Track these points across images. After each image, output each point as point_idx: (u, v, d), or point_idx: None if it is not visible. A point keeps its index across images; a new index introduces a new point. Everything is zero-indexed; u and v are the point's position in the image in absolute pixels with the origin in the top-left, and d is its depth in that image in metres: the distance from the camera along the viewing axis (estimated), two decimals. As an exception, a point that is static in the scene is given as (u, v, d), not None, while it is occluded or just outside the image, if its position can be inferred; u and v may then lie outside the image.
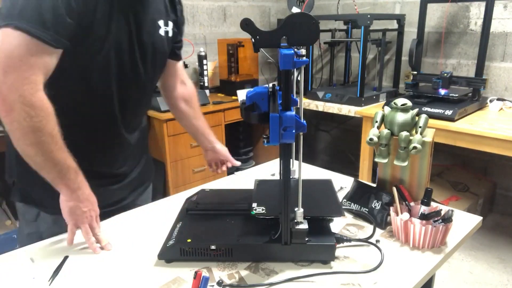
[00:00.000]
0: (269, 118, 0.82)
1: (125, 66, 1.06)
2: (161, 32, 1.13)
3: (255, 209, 1.00)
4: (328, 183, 1.17)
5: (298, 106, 0.92)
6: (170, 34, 1.17)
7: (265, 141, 0.85)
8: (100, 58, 0.99)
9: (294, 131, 0.83)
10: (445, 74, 2.41)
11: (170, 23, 1.16)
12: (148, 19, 1.07)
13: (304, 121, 0.86)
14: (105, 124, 1.10)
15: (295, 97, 0.88)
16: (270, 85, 0.89)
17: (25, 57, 0.84)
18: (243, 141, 3.33)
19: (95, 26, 0.95)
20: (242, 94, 2.90)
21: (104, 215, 1.18)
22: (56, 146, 0.91)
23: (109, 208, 1.20)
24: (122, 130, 1.14)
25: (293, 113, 0.82)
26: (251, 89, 0.90)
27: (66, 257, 0.97)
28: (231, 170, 1.58)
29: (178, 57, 1.32)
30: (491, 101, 2.49)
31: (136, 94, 1.14)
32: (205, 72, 2.87)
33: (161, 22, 1.13)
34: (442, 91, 2.40)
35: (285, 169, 0.87)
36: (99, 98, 1.05)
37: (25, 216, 1.14)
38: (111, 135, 1.13)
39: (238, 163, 1.47)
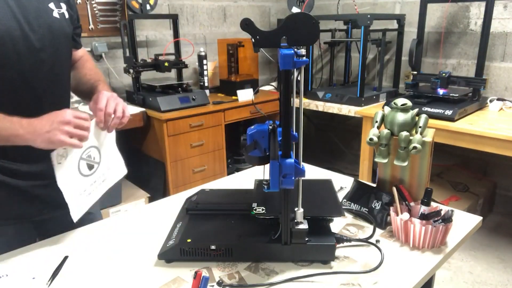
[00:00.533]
0: (269, 165, 0.86)
1: (23, 54, 0.99)
2: (55, 14, 1.06)
3: (255, 209, 1.00)
4: (328, 183, 1.17)
5: (298, 107, 0.92)
6: (67, 15, 1.10)
7: (265, 187, 0.89)
8: None
9: (293, 178, 0.86)
10: (444, 74, 2.41)
11: (63, 5, 1.10)
12: (33, 5, 1.01)
13: (303, 166, 0.89)
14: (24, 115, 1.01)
15: (295, 97, 0.88)
16: (270, 122, 0.90)
17: None
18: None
19: None
20: (242, 94, 2.90)
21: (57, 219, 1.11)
22: None
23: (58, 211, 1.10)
24: None
25: (292, 160, 0.85)
26: (252, 127, 0.92)
27: (66, 257, 0.97)
28: (231, 170, 1.58)
29: (77, 45, 1.21)
30: (491, 101, 2.49)
31: (47, 82, 1.06)
32: (205, 72, 2.87)
33: (52, 5, 1.06)
34: (441, 91, 2.40)
35: (285, 143, 0.86)
36: (9, 91, 1.00)
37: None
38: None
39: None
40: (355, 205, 1.16)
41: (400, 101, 1.11)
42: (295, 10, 3.11)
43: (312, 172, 1.51)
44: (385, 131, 1.12)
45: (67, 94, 1.16)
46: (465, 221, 1.12)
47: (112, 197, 2.40)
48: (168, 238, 0.97)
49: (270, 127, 0.87)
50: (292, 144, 0.93)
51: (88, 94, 1.18)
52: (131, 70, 2.57)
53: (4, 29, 0.94)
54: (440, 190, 2.69)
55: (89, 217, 1.16)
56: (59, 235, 1.08)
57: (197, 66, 2.99)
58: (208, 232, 0.99)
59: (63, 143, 0.91)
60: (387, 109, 1.15)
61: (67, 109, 0.94)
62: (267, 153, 0.89)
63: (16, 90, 1.00)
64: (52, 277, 0.90)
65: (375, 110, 1.32)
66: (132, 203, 2.50)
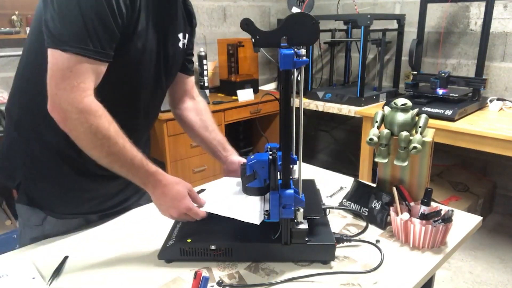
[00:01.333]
0: (269, 196, 0.88)
1: (150, 76, 1.08)
2: (180, 44, 1.16)
3: None
4: (311, 183, 1.18)
5: (298, 107, 0.92)
6: (185, 46, 1.20)
7: (266, 217, 0.91)
8: (136, 68, 1.03)
9: (293, 208, 0.87)
10: (443, 74, 2.41)
11: (187, 35, 1.19)
12: (173, 33, 1.11)
13: (303, 196, 0.90)
14: (129, 123, 1.07)
15: (295, 97, 0.88)
16: (270, 152, 0.91)
17: (74, 67, 0.87)
18: (243, 141, 3.33)
19: (135, 38, 0.97)
20: (242, 94, 2.90)
21: (109, 216, 1.20)
22: (116, 146, 0.92)
23: (114, 209, 1.21)
24: (141, 129, 1.19)
25: (292, 191, 0.87)
26: (252, 156, 0.93)
27: (66, 257, 0.97)
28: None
29: (188, 71, 1.30)
30: (491, 101, 2.49)
31: (155, 101, 1.18)
32: (205, 72, 2.87)
33: (180, 35, 1.15)
34: (440, 91, 2.40)
35: (285, 169, 0.88)
36: (127, 102, 1.08)
37: (30, 220, 1.11)
38: (132, 130, 1.10)
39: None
40: (355, 205, 1.16)
41: (400, 101, 1.11)
42: (295, 10, 3.11)
43: (312, 172, 1.51)
44: (385, 131, 1.12)
45: (159, 110, 1.28)
46: (465, 221, 1.12)
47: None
48: (168, 238, 0.97)
49: (271, 157, 0.88)
50: (292, 143, 0.93)
51: (204, 144, 1.32)
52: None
53: (149, 51, 1.03)
54: (440, 190, 2.69)
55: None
56: (55, 236, 1.08)
57: (197, 66, 2.99)
58: (208, 232, 0.99)
59: (173, 218, 1.00)
60: (387, 109, 1.15)
61: (187, 195, 0.99)
62: (267, 182, 0.90)
63: (129, 103, 1.08)
64: (52, 276, 0.90)
65: (375, 110, 1.32)
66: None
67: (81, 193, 1.12)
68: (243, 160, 1.25)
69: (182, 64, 1.25)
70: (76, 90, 0.88)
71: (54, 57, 0.87)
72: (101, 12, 0.87)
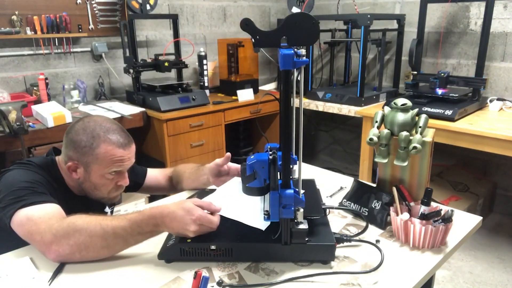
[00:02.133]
0: (269, 196, 0.87)
1: None
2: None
3: None
4: (311, 183, 1.17)
5: (298, 107, 0.92)
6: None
7: (266, 217, 0.91)
8: None
9: (293, 208, 0.87)
10: (442, 74, 2.41)
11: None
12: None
13: (303, 196, 0.90)
14: None
15: (295, 97, 0.88)
16: (270, 152, 0.90)
17: (37, 221, 0.97)
18: (243, 141, 3.33)
19: None
20: (242, 94, 2.90)
21: None
22: (103, 221, 0.95)
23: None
24: None
25: (292, 191, 0.86)
26: (252, 157, 0.93)
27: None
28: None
29: (144, 173, 1.41)
30: (491, 101, 2.49)
31: None
32: (205, 72, 2.87)
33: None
34: (440, 91, 2.40)
35: (285, 169, 0.88)
36: None
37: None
38: None
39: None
40: (355, 205, 1.16)
41: (400, 101, 1.11)
42: (295, 10, 3.11)
43: (312, 172, 1.51)
44: (385, 131, 1.11)
45: None
46: (465, 221, 1.12)
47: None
48: (168, 238, 0.97)
49: (271, 157, 0.88)
50: (292, 143, 0.93)
51: (190, 182, 1.35)
52: (131, 70, 2.57)
53: None
54: (440, 190, 2.69)
55: None
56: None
57: (197, 66, 2.99)
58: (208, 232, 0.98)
59: (196, 233, 0.95)
60: (387, 109, 1.15)
61: (195, 207, 0.96)
62: (267, 182, 0.90)
63: None
64: (53, 276, 0.90)
65: (375, 110, 1.32)
66: (132, 203, 2.50)
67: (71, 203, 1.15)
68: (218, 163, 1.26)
69: (136, 180, 1.37)
70: (48, 231, 0.94)
71: (17, 220, 0.98)
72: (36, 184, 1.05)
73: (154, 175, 1.43)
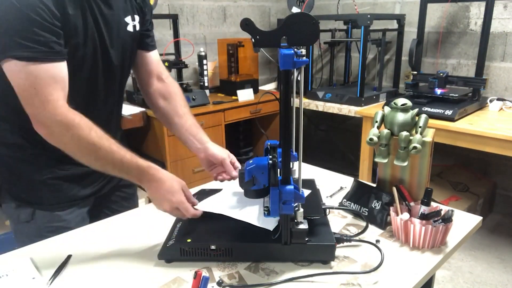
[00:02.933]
0: (269, 192, 0.87)
1: (102, 70, 1.09)
2: (129, 28, 1.13)
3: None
4: (311, 183, 1.17)
5: (298, 107, 0.92)
6: (138, 27, 1.16)
7: (266, 213, 0.91)
8: (81, 60, 1.02)
9: (293, 204, 0.87)
10: (441, 74, 2.41)
11: (137, 17, 1.15)
12: (115, 20, 1.08)
13: (303, 192, 0.90)
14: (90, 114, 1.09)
15: (295, 97, 0.88)
16: (270, 156, 0.90)
17: (36, 83, 0.89)
18: (243, 141, 3.33)
19: (73, 32, 0.97)
20: (242, 94, 2.90)
21: (102, 202, 1.24)
22: (102, 151, 0.94)
23: (103, 190, 1.24)
24: (105, 118, 1.16)
25: (292, 187, 0.86)
26: (251, 161, 0.92)
27: (69, 256, 0.98)
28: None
29: (147, 46, 1.22)
30: (491, 101, 2.49)
31: (113, 88, 1.17)
32: (205, 72, 2.87)
33: (128, 19, 1.12)
34: (439, 91, 2.40)
35: (285, 169, 0.88)
36: (87, 88, 1.09)
37: (20, 217, 1.13)
38: (98, 115, 1.11)
39: (235, 174, 1.18)
40: (355, 205, 1.16)
41: (400, 101, 1.11)
42: (295, 10, 3.11)
43: (312, 172, 1.51)
44: (385, 131, 1.11)
45: (123, 93, 1.28)
46: (465, 221, 1.12)
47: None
48: (168, 238, 0.97)
49: (270, 161, 0.88)
50: (292, 143, 0.93)
51: (176, 132, 1.26)
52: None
53: (90, 51, 1.03)
54: (440, 190, 2.69)
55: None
56: (57, 235, 1.08)
57: (197, 66, 2.99)
58: (208, 232, 0.99)
59: (166, 212, 0.99)
60: (387, 109, 1.15)
61: (181, 191, 0.98)
62: (267, 186, 0.90)
63: (86, 93, 1.09)
64: (53, 276, 0.90)
65: (375, 110, 1.32)
66: (132, 203, 2.50)
67: (60, 180, 1.12)
68: (223, 154, 1.19)
69: (139, 42, 1.19)
70: (47, 105, 0.90)
71: (10, 70, 0.89)
72: (38, 16, 0.87)
73: (151, 65, 1.24)
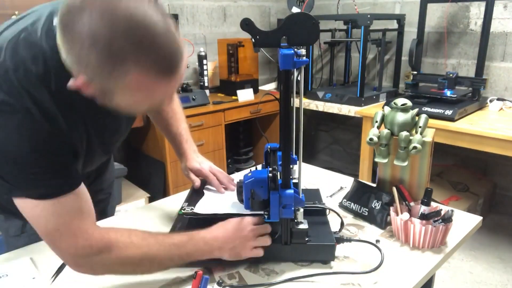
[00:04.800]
0: (269, 197, 0.87)
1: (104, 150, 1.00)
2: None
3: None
4: (316, 194, 1.16)
5: (298, 107, 0.92)
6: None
7: (266, 217, 0.90)
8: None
9: (293, 208, 0.87)
10: (451, 75, 2.40)
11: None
12: (115, 124, 0.99)
13: (303, 195, 0.90)
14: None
15: (295, 97, 0.88)
16: (270, 168, 0.89)
17: (59, 224, 0.76)
18: (243, 141, 3.32)
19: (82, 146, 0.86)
20: (242, 94, 2.90)
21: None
22: (151, 251, 0.83)
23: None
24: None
25: (292, 191, 0.86)
26: (249, 174, 0.90)
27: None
28: (231, 170, 1.57)
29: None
30: (491, 101, 2.49)
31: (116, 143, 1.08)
32: (205, 72, 2.87)
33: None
34: (448, 92, 2.39)
35: (285, 173, 0.88)
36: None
37: (9, 231, 1.06)
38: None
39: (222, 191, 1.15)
40: (355, 205, 1.16)
41: (400, 101, 1.11)
42: (295, 10, 3.11)
43: (312, 172, 1.51)
44: (385, 131, 1.12)
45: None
46: (465, 221, 1.12)
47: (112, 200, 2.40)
48: (168, 238, 0.97)
49: (270, 174, 0.86)
50: (292, 143, 0.93)
51: (165, 134, 1.24)
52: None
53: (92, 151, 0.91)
54: (440, 190, 2.69)
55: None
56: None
57: (197, 66, 2.99)
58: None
59: (248, 256, 0.91)
60: (387, 109, 1.15)
61: (247, 221, 0.91)
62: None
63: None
64: (55, 274, 0.90)
65: (375, 110, 1.32)
66: (132, 203, 2.50)
67: None
68: (205, 167, 1.17)
69: None
70: (80, 241, 0.77)
71: (28, 209, 0.75)
72: (56, 154, 0.75)
73: None
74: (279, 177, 0.89)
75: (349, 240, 0.98)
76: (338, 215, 1.03)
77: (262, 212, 0.95)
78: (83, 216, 0.79)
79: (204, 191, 1.14)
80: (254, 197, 0.89)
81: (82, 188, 0.80)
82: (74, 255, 0.79)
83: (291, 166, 0.90)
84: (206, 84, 2.89)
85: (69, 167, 0.78)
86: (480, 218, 1.14)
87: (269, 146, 0.97)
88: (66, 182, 0.77)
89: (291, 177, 0.90)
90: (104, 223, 1.15)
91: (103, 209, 1.29)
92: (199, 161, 1.19)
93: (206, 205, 1.06)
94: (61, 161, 0.76)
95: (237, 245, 0.89)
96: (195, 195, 1.13)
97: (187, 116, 2.51)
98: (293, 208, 0.88)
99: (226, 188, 1.15)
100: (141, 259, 0.82)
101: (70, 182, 0.77)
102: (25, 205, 0.75)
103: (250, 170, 0.95)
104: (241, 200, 0.98)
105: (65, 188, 0.76)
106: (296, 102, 0.88)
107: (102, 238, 0.79)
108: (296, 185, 0.91)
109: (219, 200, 1.09)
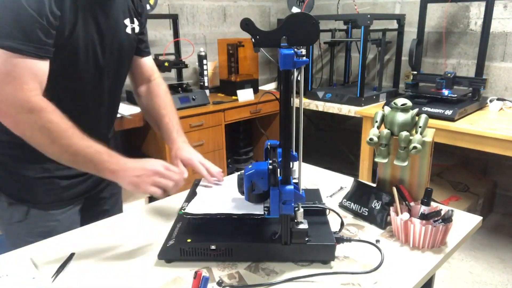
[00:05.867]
0: (270, 193, 0.87)
1: (96, 68, 1.08)
2: (128, 30, 1.14)
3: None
4: (316, 194, 1.17)
5: (298, 107, 0.92)
6: (137, 30, 1.18)
7: (266, 213, 0.91)
8: (75, 63, 1.02)
9: (293, 204, 0.87)
10: (449, 75, 2.41)
11: (135, 20, 1.17)
12: (111, 21, 1.09)
13: (303, 192, 0.90)
14: (88, 114, 1.12)
15: (295, 97, 0.88)
16: (270, 161, 0.89)
17: (13, 71, 0.88)
18: (243, 141, 3.33)
19: (62, 28, 0.96)
20: (242, 94, 2.90)
21: (98, 200, 1.25)
22: (72, 139, 0.92)
23: (97, 188, 1.24)
24: (100, 119, 1.19)
25: (292, 187, 0.86)
26: (250, 166, 0.91)
27: (72, 254, 0.98)
28: (231, 170, 1.57)
29: (141, 52, 1.26)
30: (491, 101, 2.49)
31: (108, 89, 1.15)
32: (205, 72, 2.87)
33: (127, 21, 1.14)
34: (446, 92, 2.39)
35: (285, 169, 0.88)
36: (72, 97, 1.08)
37: (12, 217, 1.11)
38: (87, 116, 1.13)
39: (205, 173, 1.21)
40: (355, 205, 1.16)
41: (400, 101, 1.11)
42: (295, 10, 3.11)
43: (312, 172, 1.51)
44: (385, 131, 1.12)
45: (121, 92, 1.27)
46: (465, 221, 1.12)
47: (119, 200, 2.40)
48: (168, 238, 0.97)
49: (271, 166, 0.87)
50: (292, 143, 0.93)
51: (157, 128, 1.28)
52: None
53: (82, 53, 1.02)
54: (440, 190, 2.69)
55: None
56: (56, 236, 1.08)
57: (197, 66, 2.99)
58: (208, 232, 0.98)
59: (146, 191, 0.95)
60: (387, 109, 1.15)
61: (160, 161, 0.97)
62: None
63: (78, 97, 1.08)
64: (56, 273, 0.90)
65: (375, 110, 1.32)
66: (132, 203, 2.50)
67: (55, 178, 1.12)
68: (195, 158, 1.21)
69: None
70: (21, 92, 0.88)
71: None
72: (34, 11, 0.87)
73: (145, 68, 1.27)
74: (279, 174, 0.89)
75: (349, 240, 0.98)
76: (338, 215, 1.03)
77: (262, 213, 0.95)
78: (35, 79, 0.90)
79: (197, 190, 1.15)
80: (254, 188, 0.90)
81: (46, 63, 0.92)
82: (9, 103, 0.88)
83: (291, 164, 0.90)
84: (206, 84, 2.89)
85: (46, 39, 0.91)
86: (480, 218, 1.14)
87: (269, 143, 0.97)
88: (37, 48, 0.89)
89: (291, 177, 0.90)
90: (104, 223, 1.16)
91: (116, 201, 1.38)
92: (189, 151, 1.23)
93: (203, 203, 1.06)
94: (43, 29, 0.89)
95: (140, 176, 0.94)
96: (195, 195, 1.13)
97: (187, 116, 2.53)
98: (293, 204, 0.87)
99: (218, 181, 1.18)
100: (60, 138, 0.90)
101: (40, 49, 0.90)
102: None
103: (251, 162, 0.95)
104: (242, 192, 0.98)
105: (35, 51, 0.89)
106: (296, 102, 0.88)
107: (40, 101, 0.89)
108: (296, 184, 0.91)
109: (215, 197, 1.09)
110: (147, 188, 0.95)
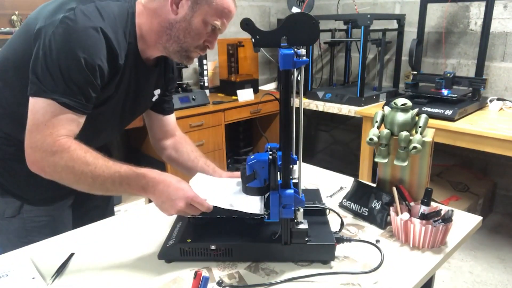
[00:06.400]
0: (270, 196, 0.88)
1: (113, 123, 1.16)
2: (153, 99, 1.22)
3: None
4: (316, 194, 1.17)
5: (298, 107, 0.92)
6: (157, 97, 1.24)
7: (266, 217, 0.91)
8: (96, 116, 1.04)
9: (293, 208, 0.88)
10: (448, 75, 2.41)
11: (160, 89, 1.22)
12: (144, 92, 1.15)
13: (303, 195, 0.90)
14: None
15: (295, 97, 0.88)
16: (269, 145, 0.91)
17: (50, 121, 0.89)
18: (243, 141, 3.33)
19: (105, 91, 1.00)
20: (242, 94, 2.90)
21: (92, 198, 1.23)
22: (98, 169, 0.91)
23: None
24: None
25: (292, 191, 0.87)
26: (252, 156, 0.92)
27: (72, 254, 0.98)
28: (231, 170, 1.57)
29: (165, 111, 1.31)
30: (491, 101, 2.49)
31: (125, 122, 1.24)
32: (205, 72, 2.87)
33: (157, 91, 1.21)
34: (445, 91, 2.40)
35: (285, 169, 0.88)
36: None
37: (5, 212, 1.11)
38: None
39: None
40: (355, 205, 1.16)
41: (400, 101, 1.11)
42: (295, 10, 3.11)
43: (312, 172, 1.52)
44: (385, 131, 1.12)
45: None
46: (465, 221, 1.12)
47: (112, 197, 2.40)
48: (168, 238, 0.97)
49: (271, 157, 0.88)
50: (292, 143, 0.93)
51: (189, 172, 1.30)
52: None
53: (110, 110, 1.07)
54: (440, 190, 2.69)
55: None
56: (55, 236, 1.08)
57: (197, 66, 2.99)
58: (208, 232, 0.99)
59: (180, 212, 0.94)
60: (387, 109, 1.15)
61: (189, 193, 0.95)
62: (267, 183, 0.90)
63: (93, 131, 1.10)
64: (55, 274, 0.90)
65: (375, 110, 1.32)
66: (132, 203, 2.50)
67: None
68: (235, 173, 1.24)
69: (158, 106, 1.28)
70: (49, 137, 0.89)
71: (36, 105, 0.89)
72: (89, 71, 0.90)
73: (168, 125, 1.34)
74: (279, 177, 0.89)
75: (349, 240, 0.98)
76: (338, 215, 1.03)
77: (261, 213, 0.95)
78: (68, 129, 0.92)
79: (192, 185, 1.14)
80: (256, 176, 0.91)
81: (83, 119, 0.95)
82: (37, 149, 0.89)
83: (291, 166, 0.90)
84: (206, 84, 2.89)
85: (94, 96, 0.94)
86: (480, 218, 1.14)
87: (269, 146, 0.97)
88: (85, 105, 0.93)
89: (291, 177, 0.90)
90: (104, 223, 1.16)
91: (108, 197, 1.39)
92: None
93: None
94: (96, 89, 0.94)
95: (167, 203, 0.93)
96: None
97: (187, 116, 2.54)
98: (293, 208, 0.88)
99: None
100: (85, 172, 0.90)
101: (84, 106, 0.93)
102: (42, 104, 0.89)
103: (252, 153, 0.96)
104: (244, 182, 0.97)
105: (82, 108, 0.92)
106: (296, 102, 0.88)
107: (64, 143, 0.90)
108: (296, 185, 0.91)
109: (212, 192, 1.08)
110: (181, 211, 0.94)
